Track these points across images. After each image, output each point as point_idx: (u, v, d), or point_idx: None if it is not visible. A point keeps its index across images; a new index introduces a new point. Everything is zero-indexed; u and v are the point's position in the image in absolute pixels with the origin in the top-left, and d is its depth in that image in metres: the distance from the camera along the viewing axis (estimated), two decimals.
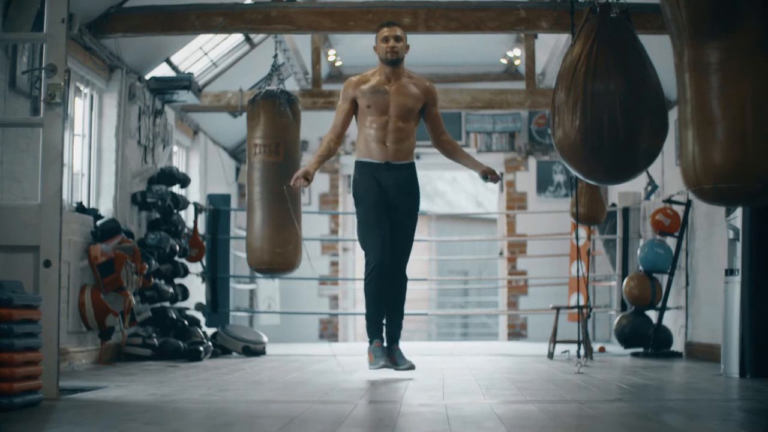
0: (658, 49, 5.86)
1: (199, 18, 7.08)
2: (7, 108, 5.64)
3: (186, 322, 8.06)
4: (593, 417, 3.67)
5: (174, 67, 8.97)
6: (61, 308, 4.48)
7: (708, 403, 4.26)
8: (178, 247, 8.26)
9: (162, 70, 8.70)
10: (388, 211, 5.68)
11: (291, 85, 10.08)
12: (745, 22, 3.67)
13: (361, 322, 12.60)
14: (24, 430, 3.28)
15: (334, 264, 12.49)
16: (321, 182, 12.27)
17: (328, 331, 12.35)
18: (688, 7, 3.77)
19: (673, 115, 6.17)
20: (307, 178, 5.57)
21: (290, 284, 11.80)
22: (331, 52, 11.64)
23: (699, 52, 3.76)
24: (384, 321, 5.74)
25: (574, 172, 4.84)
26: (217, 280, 9.34)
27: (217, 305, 9.27)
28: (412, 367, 5.61)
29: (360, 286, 10.69)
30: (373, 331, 5.69)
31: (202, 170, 10.61)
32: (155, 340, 7.40)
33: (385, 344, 5.70)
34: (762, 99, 3.65)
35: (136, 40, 7.52)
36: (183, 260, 8.60)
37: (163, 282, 8.06)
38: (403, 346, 5.89)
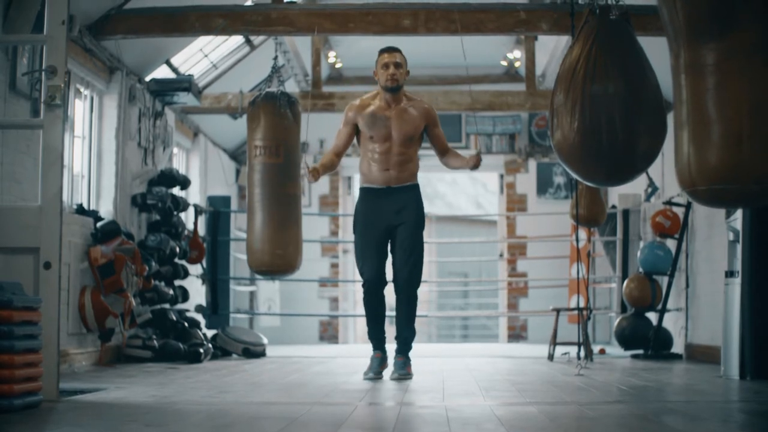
0: (658, 51, 5.84)
1: (199, 20, 7.08)
2: (8, 110, 5.64)
3: (186, 324, 8.06)
4: (593, 419, 3.67)
5: (174, 69, 8.97)
6: (61, 310, 4.48)
7: (708, 405, 4.26)
8: (178, 249, 8.26)
9: (162, 72, 8.70)
10: (391, 234, 5.76)
11: (291, 87, 10.09)
12: (743, 24, 3.66)
13: (361, 324, 12.61)
14: None
15: (334, 266, 12.49)
16: (321, 184, 12.26)
17: (328, 333, 12.35)
18: (685, 8, 3.76)
19: (672, 116, 6.17)
20: (315, 174, 5.65)
21: (290, 286, 11.80)
22: (331, 54, 11.65)
23: (696, 53, 3.75)
24: (384, 334, 5.88)
25: (572, 174, 4.84)
26: (217, 281, 9.34)
27: (217, 307, 9.27)
28: (402, 378, 5.63)
29: (360, 287, 10.70)
30: (373, 344, 5.87)
31: (202, 172, 10.62)
32: (155, 341, 7.40)
33: (388, 356, 5.84)
34: (759, 100, 3.64)
35: (136, 42, 7.52)
36: (183, 262, 8.60)
37: (163, 284, 8.06)
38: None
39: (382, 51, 5.78)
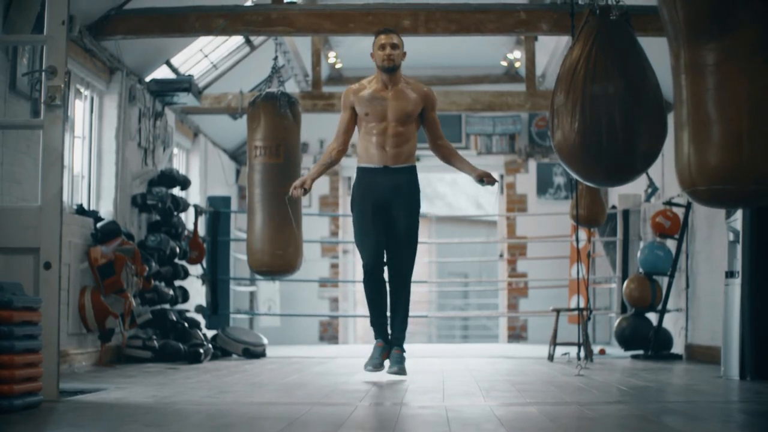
0: (658, 52, 5.85)
1: (199, 20, 7.08)
2: (8, 110, 5.64)
3: (186, 324, 8.06)
4: (593, 419, 3.67)
5: (174, 69, 8.97)
6: (61, 310, 4.48)
7: (708, 405, 4.26)
8: (178, 249, 8.26)
9: (162, 72, 8.71)
10: (387, 215, 5.72)
11: (291, 87, 10.09)
12: (743, 24, 3.67)
13: (361, 324, 12.60)
14: None
15: (334, 266, 12.48)
16: (321, 184, 12.25)
17: (328, 333, 12.34)
18: (685, 8, 3.77)
19: (672, 117, 6.17)
20: (305, 187, 5.71)
21: (290, 286, 11.80)
22: (332, 54, 11.65)
23: (696, 53, 3.76)
24: (386, 320, 5.86)
25: (573, 175, 4.84)
26: (217, 282, 9.34)
27: (217, 307, 9.27)
28: (399, 373, 5.65)
29: (360, 288, 10.69)
30: (374, 331, 5.86)
31: (203, 172, 10.62)
32: (155, 342, 7.40)
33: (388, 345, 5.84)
34: (758, 101, 3.65)
35: (136, 42, 7.52)
36: (183, 262, 8.60)
37: (163, 284, 8.06)
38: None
39: (379, 32, 5.75)
